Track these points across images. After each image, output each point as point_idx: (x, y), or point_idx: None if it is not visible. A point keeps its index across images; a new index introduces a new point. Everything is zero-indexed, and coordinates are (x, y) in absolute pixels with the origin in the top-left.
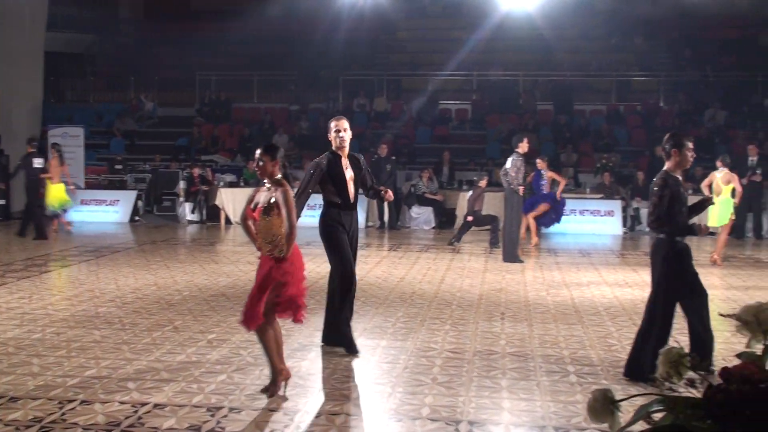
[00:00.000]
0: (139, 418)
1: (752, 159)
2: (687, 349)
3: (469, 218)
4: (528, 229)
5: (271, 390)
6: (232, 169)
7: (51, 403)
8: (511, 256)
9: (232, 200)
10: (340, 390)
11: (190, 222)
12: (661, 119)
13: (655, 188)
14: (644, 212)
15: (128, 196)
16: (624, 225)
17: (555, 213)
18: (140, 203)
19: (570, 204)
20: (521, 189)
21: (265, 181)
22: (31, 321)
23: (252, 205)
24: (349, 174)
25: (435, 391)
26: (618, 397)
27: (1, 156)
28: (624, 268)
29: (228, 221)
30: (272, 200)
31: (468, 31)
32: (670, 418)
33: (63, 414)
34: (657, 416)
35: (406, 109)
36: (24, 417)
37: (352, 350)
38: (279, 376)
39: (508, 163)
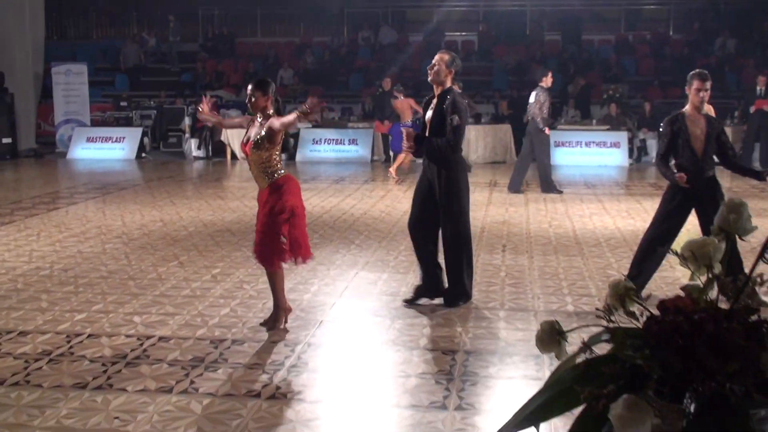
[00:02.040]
0: (145, 350)
1: (760, 88)
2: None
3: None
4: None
5: (270, 324)
6: (237, 104)
7: (59, 336)
8: (549, 186)
9: (237, 136)
10: (340, 322)
11: (196, 158)
12: (671, 48)
13: (660, 127)
14: (651, 143)
15: (134, 133)
16: (630, 156)
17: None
18: (146, 140)
19: (576, 135)
20: (547, 129)
21: (258, 115)
22: (40, 258)
23: (244, 140)
24: (428, 115)
25: (433, 322)
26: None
27: (5, 95)
28: (628, 199)
29: (234, 157)
30: (263, 133)
31: None
32: (611, 349)
33: (71, 347)
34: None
35: (411, 42)
36: (33, 350)
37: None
38: (283, 312)
39: (532, 98)
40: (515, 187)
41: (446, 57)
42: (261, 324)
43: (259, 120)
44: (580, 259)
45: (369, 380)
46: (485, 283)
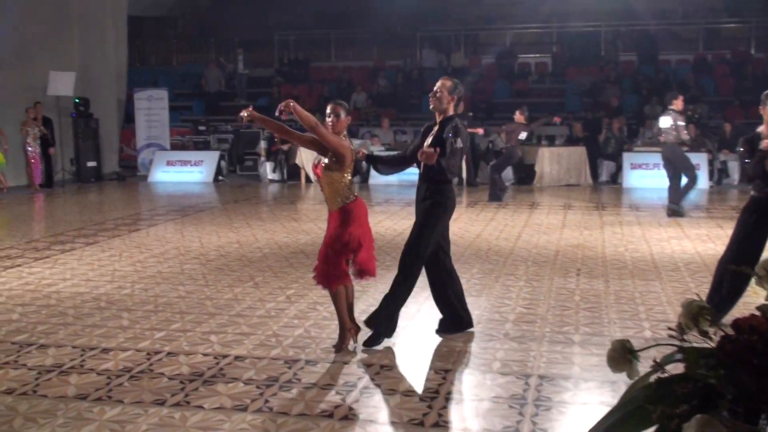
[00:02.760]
0: (221, 369)
1: None
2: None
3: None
4: None
5: (338, 345)
6: None
7: (140, 354)
8: (678, 209)
9: (311, 159)
10: (413, 344)
11: (271, 181)
12: (752, 67)
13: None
14: (732, 165)
15: (212, 156)
16: (710, 178)
17: None
18: (223, 163)
19: (653, 158)
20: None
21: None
22: (121, 277)
23: (315, 161)
24: (427, 141)
25: (507, 346)
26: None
27: (91, 120)
28: (708, 223)
29: (308, 180)
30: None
31: None
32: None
33: (151, 364)
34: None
35: (484, 64)
36: (115, 367)
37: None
38: (347, 333)
39: (667, 122)
40: (672, 211)
41: (448, 83)
42: (333, 347)
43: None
44: (658, 283)
45: (441, 403)
46: (559, 307)
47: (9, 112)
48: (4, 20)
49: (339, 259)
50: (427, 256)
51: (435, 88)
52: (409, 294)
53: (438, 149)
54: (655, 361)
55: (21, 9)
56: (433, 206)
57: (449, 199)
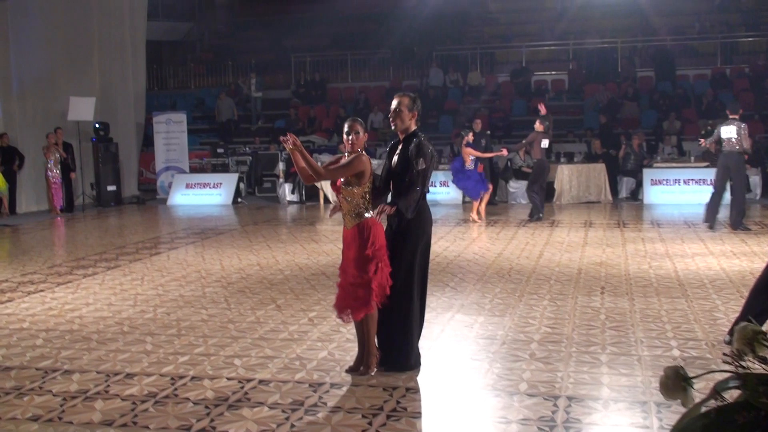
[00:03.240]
0: (246, 393)
1: None
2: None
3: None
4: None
5: (363, 370)
6: (329, 149)
7: (164, 379)
8: (739, 223)
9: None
10: (438, 366)
11: (290, 202)
12: None
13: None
14: (754, 180)
15: (230, 178)
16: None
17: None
18: (242, 185)
19: (674, 173)
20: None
21: (346, 153)
22: (144, 301)
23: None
24: (393, 160)
25: (533, 366)
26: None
27: (110, 144)
28: (732, 238)
29: (327, 200)
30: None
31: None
32: (742, 396)
33: (175, 389)
34: (729, 394)
35: (500, 82)
36: (140, 392)
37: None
38: (373, 358)
39: (732, 132)
40: (738, 224)
41: (406, 100)
42: (347, 371)
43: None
44: (684, 301)
45: (468, 426)
46: (584, 327)
47: (31, 137)
48: (27, 48)
49: (363, 282)
50: (418, 286)
51: (393, 107)
52: (416, 322)
53: (388, 207)
54: (714, 389)
55: (43, 36)
56: (406, 233)
57: (425, 221)
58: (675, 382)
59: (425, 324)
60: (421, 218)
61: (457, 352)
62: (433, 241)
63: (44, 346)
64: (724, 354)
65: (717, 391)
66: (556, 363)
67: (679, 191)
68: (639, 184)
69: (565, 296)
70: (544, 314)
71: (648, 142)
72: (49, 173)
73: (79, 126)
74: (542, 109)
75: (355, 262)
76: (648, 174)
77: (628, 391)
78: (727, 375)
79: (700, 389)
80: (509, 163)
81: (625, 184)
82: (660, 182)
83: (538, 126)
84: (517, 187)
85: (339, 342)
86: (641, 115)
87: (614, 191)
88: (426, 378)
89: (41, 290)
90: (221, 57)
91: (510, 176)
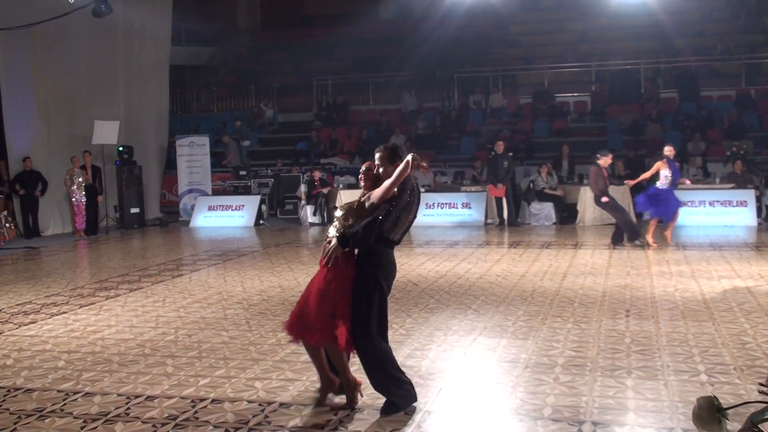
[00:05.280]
0: (266, 416)
1: None
2: None
3: (604, 199)
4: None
5: (348, 403)
6: (351, 171)
7: (184, 401)
8: None
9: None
10: (460, 389)
11: (312, 224)
12: None
13: None
14: None
15: (253, 200)
16: (759, 215)
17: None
18: (264, 207)
19: (699, 195)
20: None
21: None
22: (165, 323)
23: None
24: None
25: (557, 390)
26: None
27: (134, 167)
28: (759, 261)
29: None
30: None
31: (583, 22)
32: None
33: (195, 412)
34: (765, 426)
35: (522, 104)
36: (160, 415)
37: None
38: (356, 392)
39: None
40: None
41: (386, 153)
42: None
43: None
44: (711, 324)
45: None
46: (609, 350)
47: (58, 161)
48: (52, 72)
49: (332, 303)
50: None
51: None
52: (382, 358)
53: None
54: (751, 421)
55: (68, 61)
56: (367, 278)
57: (380, 268)
58: (709, 414)
59: (448, 347)
60: (381, 269)
61: (479, 375)
62: (454, 263)
63: (66, 368)
64: (761, 384)
65: (753, 422)
66: (580, 387)
67: (704, 213)
68: None
69: (589, 319)
70: (568, 337)
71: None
72: (73, 198)
73: (103, 149)
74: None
75: (327, 280)
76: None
77: (654, 417)
78: (763, 406)
79: (732, 418)
80: (531, 185)
81: None
82: (685, 203)
83: (602, 162)
84: (540, 209)
85: (359, 365)
86: (665, 136)
87: (638, 213)
88: (448, 401)
89: (64, 312)
90: (244, 80)
91: (532, 198)
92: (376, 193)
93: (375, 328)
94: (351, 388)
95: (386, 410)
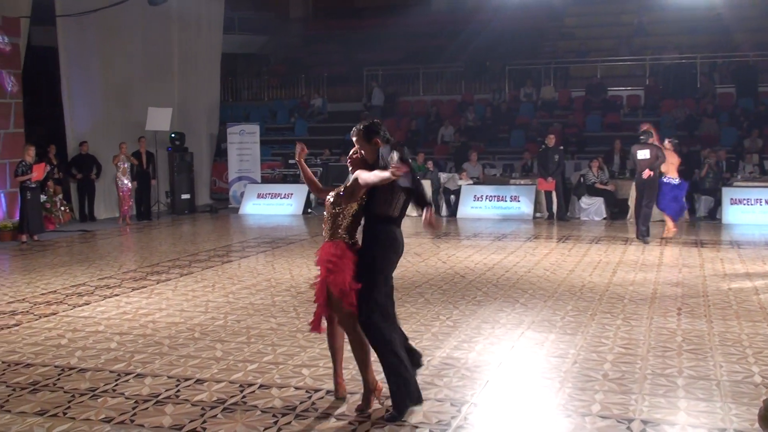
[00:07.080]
0: (313, 403)
1: None
2: None
3: (648, 172)
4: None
5: (363, 404)
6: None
7: (233, 386)
8: None
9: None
10: (507, 383)
11: None
12: None
13: None
14: None
15: (301, 189)
16: None
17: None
18: (312, 196)
19: (755, 193)
20: None
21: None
22: (215, 308)
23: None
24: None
25: (606, 387)
26: None
27: (186, 154)
28: None
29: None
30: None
31: (638, 14)
32: None
33: (243, 396)
34: None
35: (574, 97)
36: (209, 398)
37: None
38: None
39: None
40: None
41: (360, 133)
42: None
43: None
44: (766, 325)
45: None
46: (660, 348)
47: (112, 146)
48: (110, 59)
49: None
50: (381, 315)
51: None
52: (395, 354)
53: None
54: None
55: (125, 48)
56: (365, 257)
57: (382, 248)
58: None
59: (495, 340)
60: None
61: (527, 370)
62: (502, 256)
63: (118, 350)
64: None
65: None
66: (630, 385)
67: (760, 211)
68: (717, 203)
69: (639, 316)
70: (618, 334)
71: (728, 160)
72: (120, 182)
73: (156, 135)
74: None
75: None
76: (728, 193)
77: (706, 417)
78: None
79: None
80: (582, 179)
81: (703, 203)
82: (740, 201)
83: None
84: (590, 204)
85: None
86: (721, 132)
87: (691, 209)
88: (494, 394)
89: (116, 294)
90: (294, 70)
91: (583, 192)
92: (358, 177)
93: (378, 315)
94: (369, 389)
95: (389, 417)
